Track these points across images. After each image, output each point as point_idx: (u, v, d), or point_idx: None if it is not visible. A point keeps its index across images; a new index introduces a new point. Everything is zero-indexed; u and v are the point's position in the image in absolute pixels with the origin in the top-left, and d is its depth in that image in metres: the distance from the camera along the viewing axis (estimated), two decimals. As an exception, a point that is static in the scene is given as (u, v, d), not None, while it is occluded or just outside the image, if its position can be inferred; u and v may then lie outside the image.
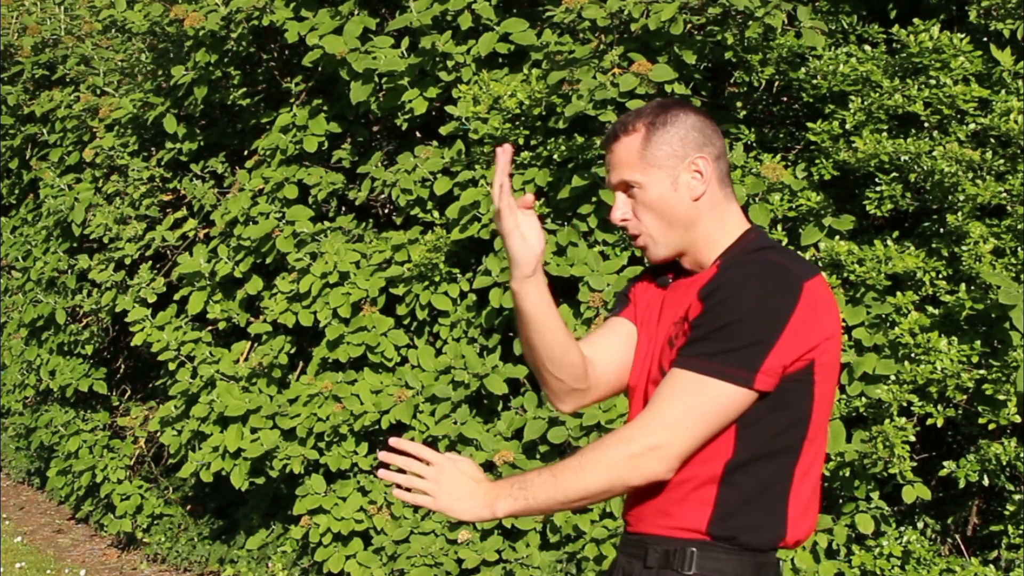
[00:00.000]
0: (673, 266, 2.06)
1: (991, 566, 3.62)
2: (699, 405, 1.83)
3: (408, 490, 1.92)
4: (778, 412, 1.87)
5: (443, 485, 1.88)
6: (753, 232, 1.98)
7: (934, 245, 3.62)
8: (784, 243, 3.76)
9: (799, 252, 3.67)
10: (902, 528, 3.77)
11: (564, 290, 4.23)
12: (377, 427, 4.49)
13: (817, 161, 3.80)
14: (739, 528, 1.87)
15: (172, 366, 5.23)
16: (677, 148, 1.96)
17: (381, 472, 1.89)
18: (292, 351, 5.01)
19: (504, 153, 1.91)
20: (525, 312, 1.97)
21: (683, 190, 1.96)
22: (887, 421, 3.53)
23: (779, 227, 3.82)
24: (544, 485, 1.86)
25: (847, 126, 3.72)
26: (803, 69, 3.84)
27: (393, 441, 1.92)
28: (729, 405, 1.84)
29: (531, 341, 2.00)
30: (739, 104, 4.19)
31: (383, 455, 1.91)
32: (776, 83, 4.16)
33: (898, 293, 3.58)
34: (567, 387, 2.06)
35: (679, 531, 1.90)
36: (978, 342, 3.48)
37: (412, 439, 4.39)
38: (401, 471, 1.92)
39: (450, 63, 4.46)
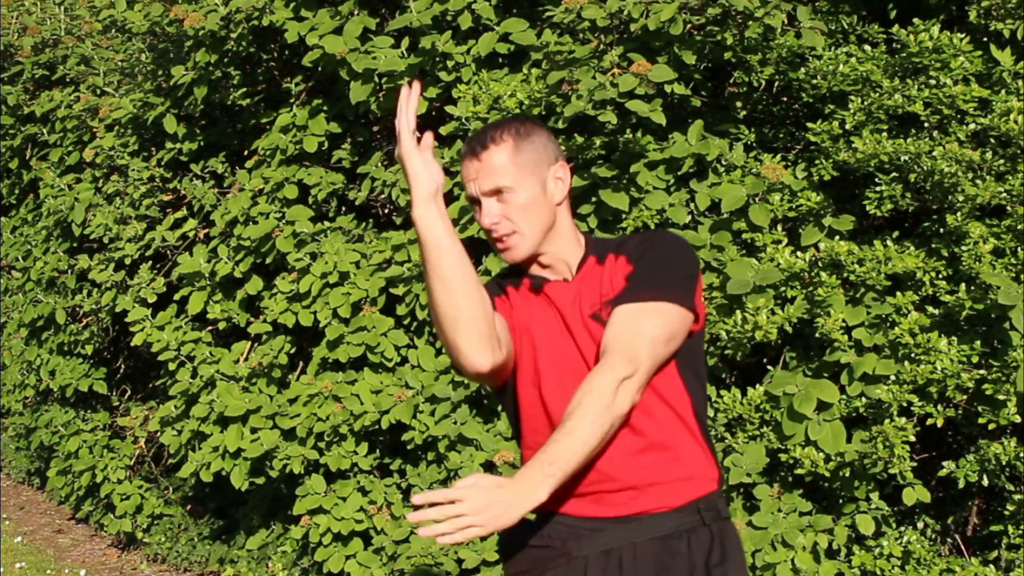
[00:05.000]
0: (517, 276, 2.26)
1: (991, 566, 3.62)
2: (656, 327, 2.08)
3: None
4: (695, 354, 2.22)
5: (479, 511, 1.88)
6: (591, 235, 2.31)
7: (934, 245, 3.62)
8: (784, 243, 3.77)
9: (799, 252, 3.68)
10: (902, 528, 3.76)
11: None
12: (377, 427, 4.49)
13: (817, 161, 3.80)
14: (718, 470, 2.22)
15: (172, 366, 5.23)
16: (542, 156, 2.18)
17: (422, 531, 1.88)
18: (292, 351, 5.00)
19: (413, 88, 2.06)
20: (433, 237, 2.02)
21: (549, 194, 2.19)
22: (887, 421, 3.53)
23: (779, 227, 3.81)
24: (570, 448, 1.96)
25: (847, 126, 3.72)
26: (803, 69, 3.84)
27: (415, 499, 1.95)
28: (680, 327, 2.13)
29: (446, 274, 2.02)
30: (739, 104, 4.19)
31: (413, 516, 1.90)
32: (776, 83, 4.16)
33: (898, 293, 3.58)
34: (484, 330, 2.07)
35: (698, 490, 2.15)
36: (978, 342, 3.48)
37: (412, 439, 4.43)
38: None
39: (450, 63, 4.46)
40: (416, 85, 2.06)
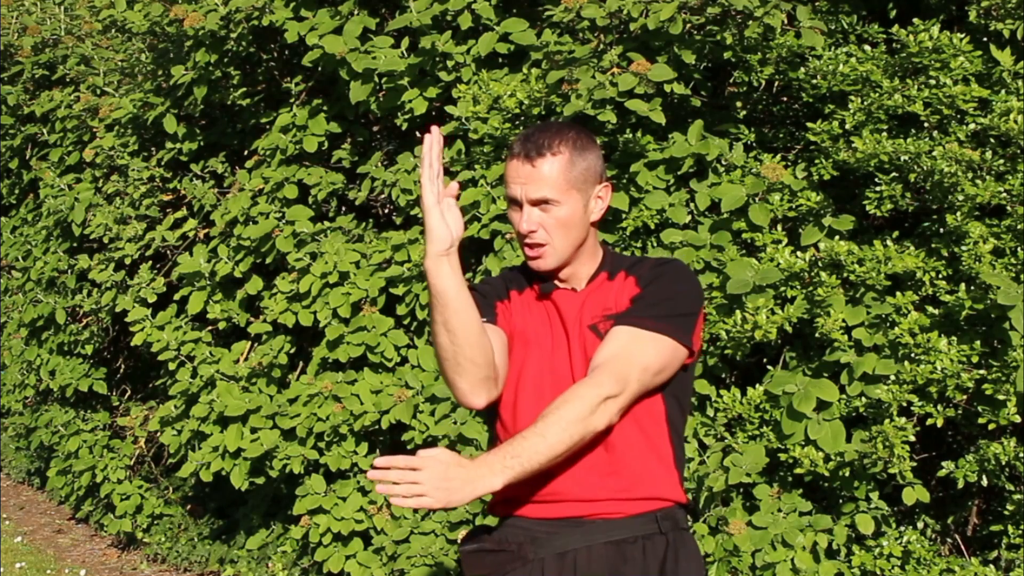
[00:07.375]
0: (527, 277, 2.29)
1: (991, 566, 3.62)
2: (650, 356, 2.11)
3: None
4: (684, 386, 2.26)
5: (433, 482, 1.92)
6: (609, 248, 2.32)
7: (934, 245, 3.62)
8: (784, 243, 3.77)
9: (799, 252, 3.68)
10: (902, 528, 3.76)
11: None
12: (377, 427, 4.49)
13: (817, 161, 3.80)
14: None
15: (172, 366, 5.23)
16: (591, 175, 2.20)
17: (379, 488, 1.95)
18: (292, 351, 5.01)
19: (433, 134, 2.04)
20: (442, 290, 2.05)
21: (588, 212, 2.21)
22: (887, 421, 3.53)
23: (779, 227, 3.81)
24: (536, 447, 1.99)
25: (847, 126, 3.72)
26: (803, 69, 3.84)
27: (377, 462, 1.97)
28: (672, 361, 2.16)
29: (450, 323, 2.07)
30: (739, 104, 4.19)
31: (372, 474, 1.97)
32: (776, 83, 4.16)
33: (898, 293, 3.58)
34: (483, 373, 2.12)
35: (661, 502, 2.18)
36: (978, 342, 3.48)
37: (412, 439, 4.43)
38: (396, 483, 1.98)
39: (450, 63, 4.46)
40: (437, 130, 2.06)
